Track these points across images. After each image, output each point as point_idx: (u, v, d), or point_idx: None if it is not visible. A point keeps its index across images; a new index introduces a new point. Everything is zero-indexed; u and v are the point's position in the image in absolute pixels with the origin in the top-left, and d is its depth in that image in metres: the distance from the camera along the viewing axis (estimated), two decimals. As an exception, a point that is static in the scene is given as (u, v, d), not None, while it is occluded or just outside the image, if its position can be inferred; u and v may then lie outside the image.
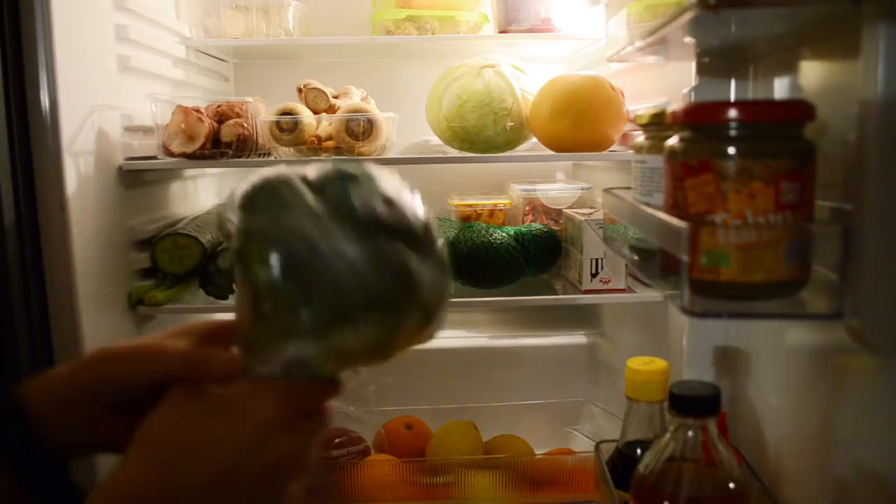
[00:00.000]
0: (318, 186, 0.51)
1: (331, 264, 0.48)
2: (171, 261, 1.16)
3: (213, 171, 1.57)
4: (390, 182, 0.53)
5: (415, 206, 0.53)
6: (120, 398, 0.51)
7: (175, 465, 0.45)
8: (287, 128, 1.15)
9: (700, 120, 0.58)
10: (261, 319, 0.49)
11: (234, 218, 0.50)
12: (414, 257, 0.50)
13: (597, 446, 0.87)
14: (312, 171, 0.52)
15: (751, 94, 0.84)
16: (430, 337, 0.53)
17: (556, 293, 1.25)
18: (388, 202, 0.51)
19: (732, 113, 0.55)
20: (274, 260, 0.47)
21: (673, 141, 0.60)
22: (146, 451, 0.46)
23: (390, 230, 0.50)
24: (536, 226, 1.27)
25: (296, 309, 0.47)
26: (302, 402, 0.50)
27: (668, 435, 0.63)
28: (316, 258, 0.48)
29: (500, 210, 1.38)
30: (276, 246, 0.48)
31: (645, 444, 0.73)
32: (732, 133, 0.55)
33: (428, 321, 0.52)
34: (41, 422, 0.50)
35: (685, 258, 0.54)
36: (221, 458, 0.45)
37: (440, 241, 0.53)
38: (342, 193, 0.50)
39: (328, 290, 0.48)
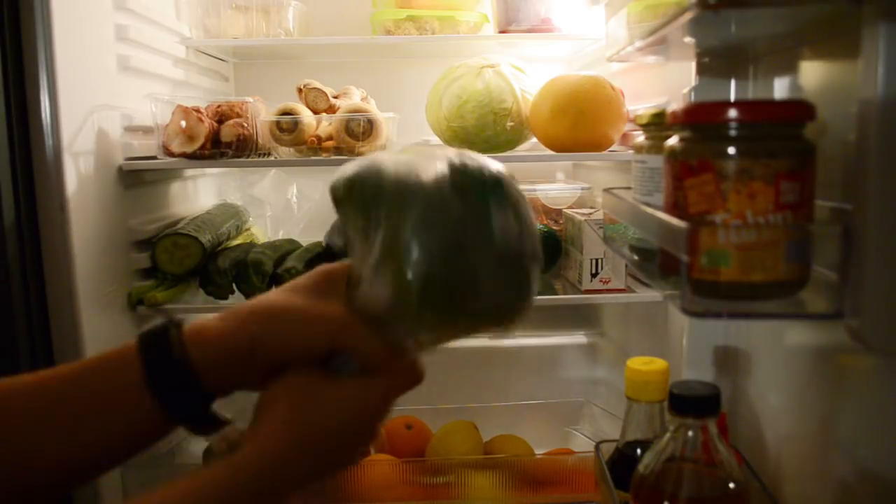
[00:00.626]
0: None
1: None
2: (171, 261, 1.16)
3: (213, 171, 1.57)
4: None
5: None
6: (277, 362, 0.54)
7: (309, 430, 0.52)
8: (287, 128, 1.15)
9: (700, 120, 0.58)
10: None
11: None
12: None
13: (597, 446, 0.87)
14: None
15: (751, 94, 0.84)
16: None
17: (556, 293, 1.25)
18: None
19: (732, 113, 0.55)
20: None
21: (673, 141, 0.60)
22: (288, 413, 0.53)
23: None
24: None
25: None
26: (396, 392, 0.57)
27: (668, 435, 0.63)
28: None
29: (500, 210, 1.38)
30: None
31: (645, 444, 0.73)
32: (732, 133, 0.55)
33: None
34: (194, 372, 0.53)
35: (685, 258, 0.54)
36: (338, 431, 0.54)
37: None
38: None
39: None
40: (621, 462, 0.78)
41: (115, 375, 0.53)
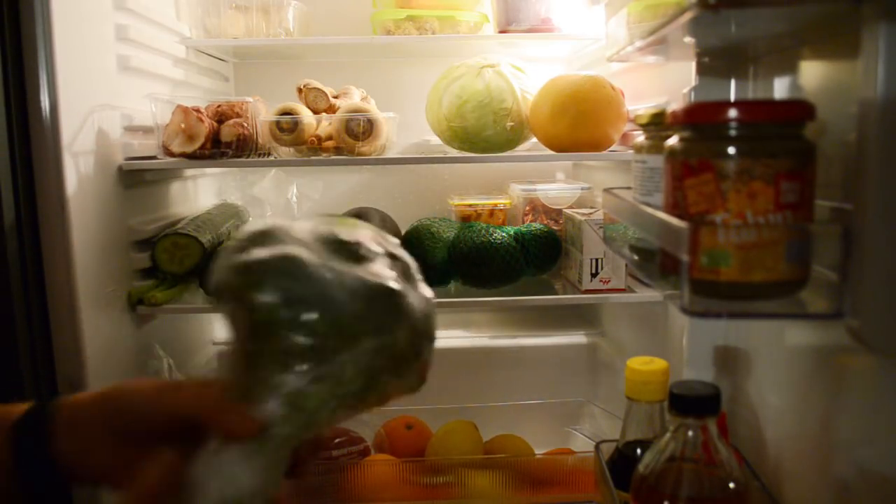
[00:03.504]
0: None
1: (326, 285, 0.49)
2: (171, 261, 1.16)
3: (213, 171, 1.57)
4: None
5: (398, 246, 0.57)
6: (134, 428, 0.53)
7: None
8: (287, 128, 1.15)
9: (700, 120, 0.58)
10: (257, 357, 0.49)
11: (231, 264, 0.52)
12: (403, 285, 0.53)
13: (597, 446, 0.87)
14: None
15: (751, 94, 0.84)
16: (420, 380, 0.56)
17: (556, 293, 1.25)
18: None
19: (732, 113, 0.55)
20: (270, 284, 0.49)
21: (673, 141, 0.60)
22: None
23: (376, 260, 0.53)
24: (536, 226, 1.27)
25: (293, 330, 0.48)
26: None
27: (668, 435, 0.63)
28: (312, 280, 0.49)
29: (500, 210, 1.38)
30: (272, 272, 0.49)
31: (645, 444, 0.73)
32: (732, 133, 0.55)
33: (417, 354, 0.53)
34: (59, 435, 0.53)
35: (685, 258, 0.54)
36: None
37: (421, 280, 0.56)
38: (330, 233, 0.54)
39: (325, 308, 0.49)
40: (621, 462, 0.78)
41: None
